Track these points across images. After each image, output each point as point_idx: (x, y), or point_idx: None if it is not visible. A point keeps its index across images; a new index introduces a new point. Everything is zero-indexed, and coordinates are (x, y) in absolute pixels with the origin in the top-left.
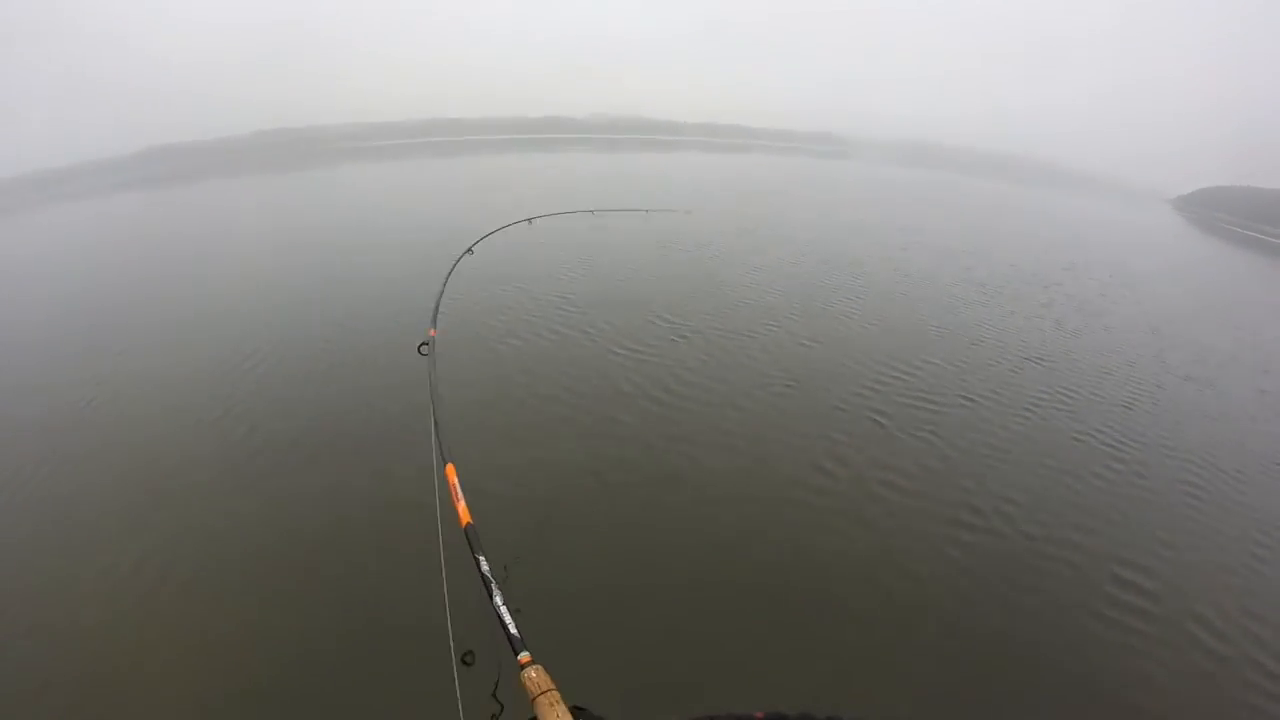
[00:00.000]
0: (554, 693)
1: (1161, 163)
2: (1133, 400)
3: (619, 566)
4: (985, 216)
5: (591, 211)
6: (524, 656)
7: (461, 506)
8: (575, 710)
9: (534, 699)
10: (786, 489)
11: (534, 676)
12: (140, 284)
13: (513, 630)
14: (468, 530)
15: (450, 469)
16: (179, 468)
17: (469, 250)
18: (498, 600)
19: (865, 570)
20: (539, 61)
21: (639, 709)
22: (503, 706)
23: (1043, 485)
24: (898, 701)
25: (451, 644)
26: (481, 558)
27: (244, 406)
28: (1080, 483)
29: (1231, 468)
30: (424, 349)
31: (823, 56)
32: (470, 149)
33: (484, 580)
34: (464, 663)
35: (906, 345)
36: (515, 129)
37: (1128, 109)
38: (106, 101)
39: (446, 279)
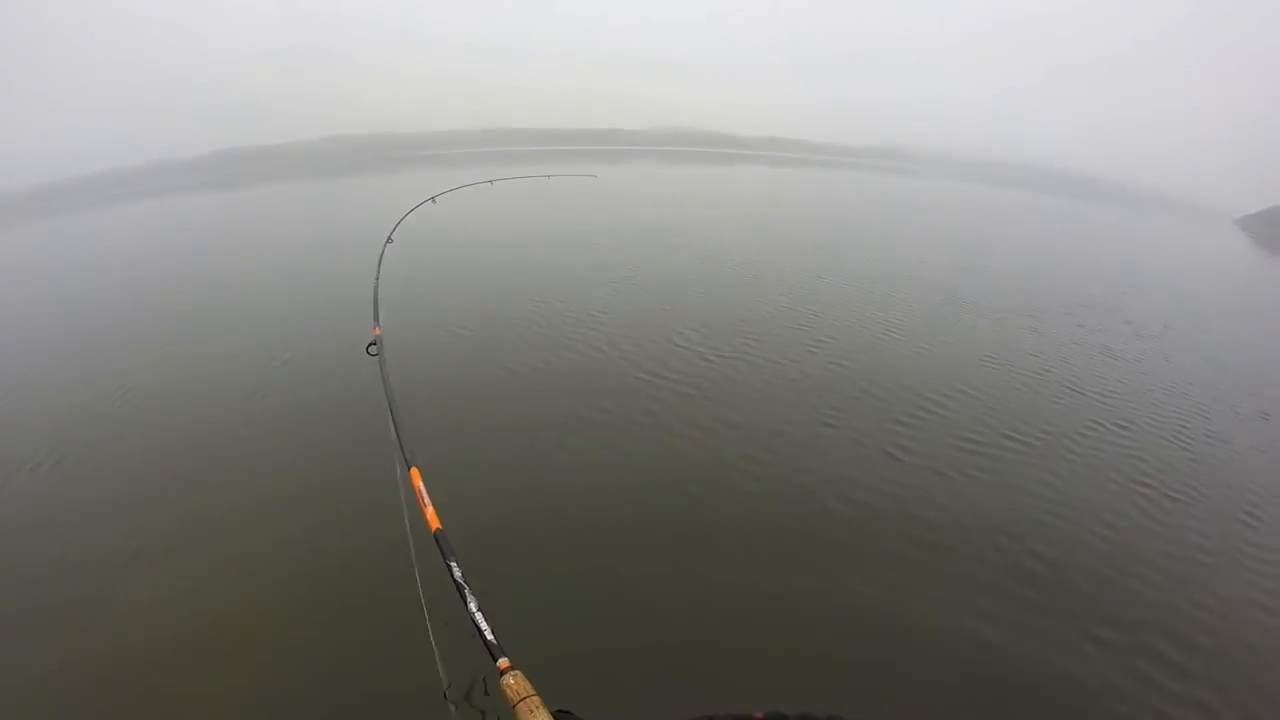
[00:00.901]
0: (534, 698)
1: (1224, 179)
2: (1188, 441)
3: (603, 571)
4: (1047, 236)
5: (490, 182)
6: (503, 663)
7: (430, 512)
8: (558, 714)
9: (514, 706)
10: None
11: (512, 684)
12: (149, 287)
13: (489, 636)
14: (438, 536)
15: (415, 473)
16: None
17: (389, 239)
18: (472, 606)
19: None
20: (599, 76)
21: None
22: (484, 714)
23: (1080, 540)
24: None
25: (438, 656)
26: (453, 564)
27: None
28: (1122, 532)
29: None
30: (372, 349)
31: (888, 72)
32: (530, 159)
33: (457, 587)
34: (444, 673)
35: (949, 373)
36: (576, 140)
37: (1192, 125)
38: (180, 102)
39: (378, 271)
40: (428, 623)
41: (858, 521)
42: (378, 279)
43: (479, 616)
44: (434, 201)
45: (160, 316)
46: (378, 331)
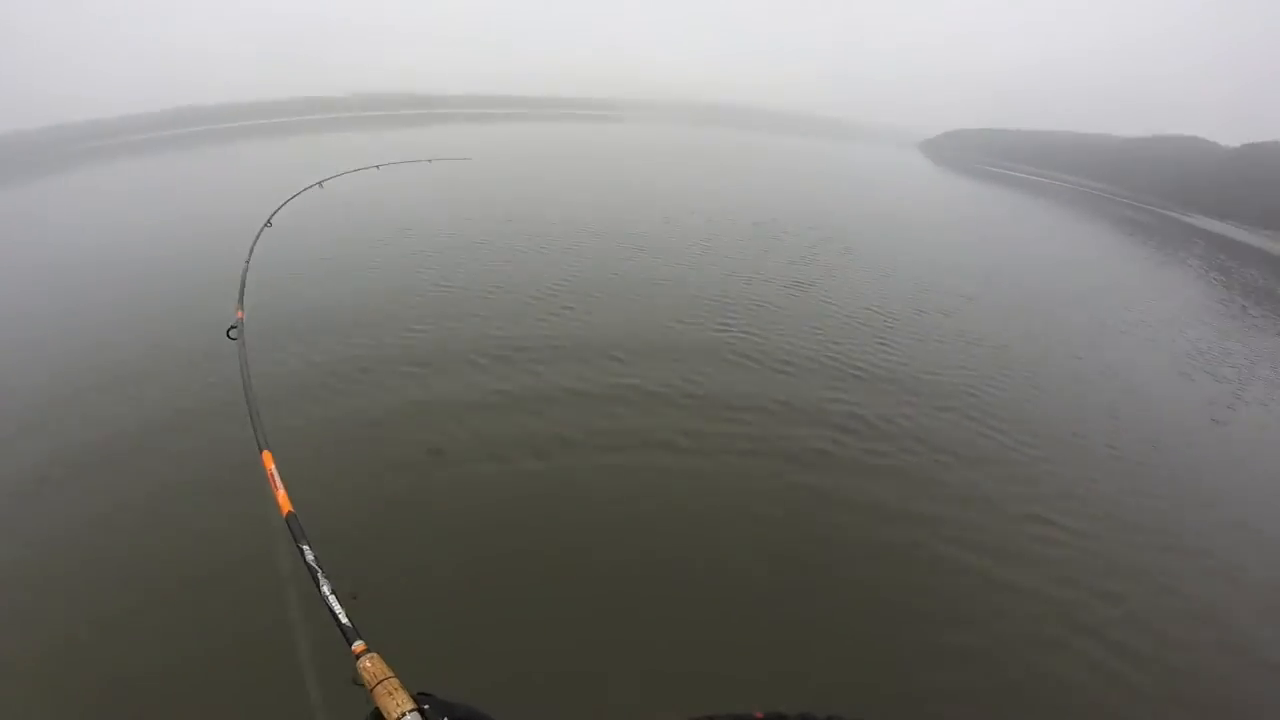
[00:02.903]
0: (392, 680)
1: (919, 113)
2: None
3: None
4: (738, 167)
5: (377, 167)
6: (358, 646)
7: (281, 495)
8: (419, 696)
9: (372, 689)
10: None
11: (369, 666)
12: None
13: (344, 620)
14: (289, 519)
15: (267, 456)
16: None
17: (268, 223)
18: (325, 590)
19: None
20: (288, 41)
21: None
22: (346, 698)
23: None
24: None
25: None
26: (306, 547)
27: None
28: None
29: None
30: (232, 333)
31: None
32: (216, 138)
33: (310, 570)
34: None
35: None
36: (267, 114)
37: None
38: None
39: (249, 256)
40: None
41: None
42: (248, 263)
43: (333, 600)
44: (321, 186)
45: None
46: (240, 315)
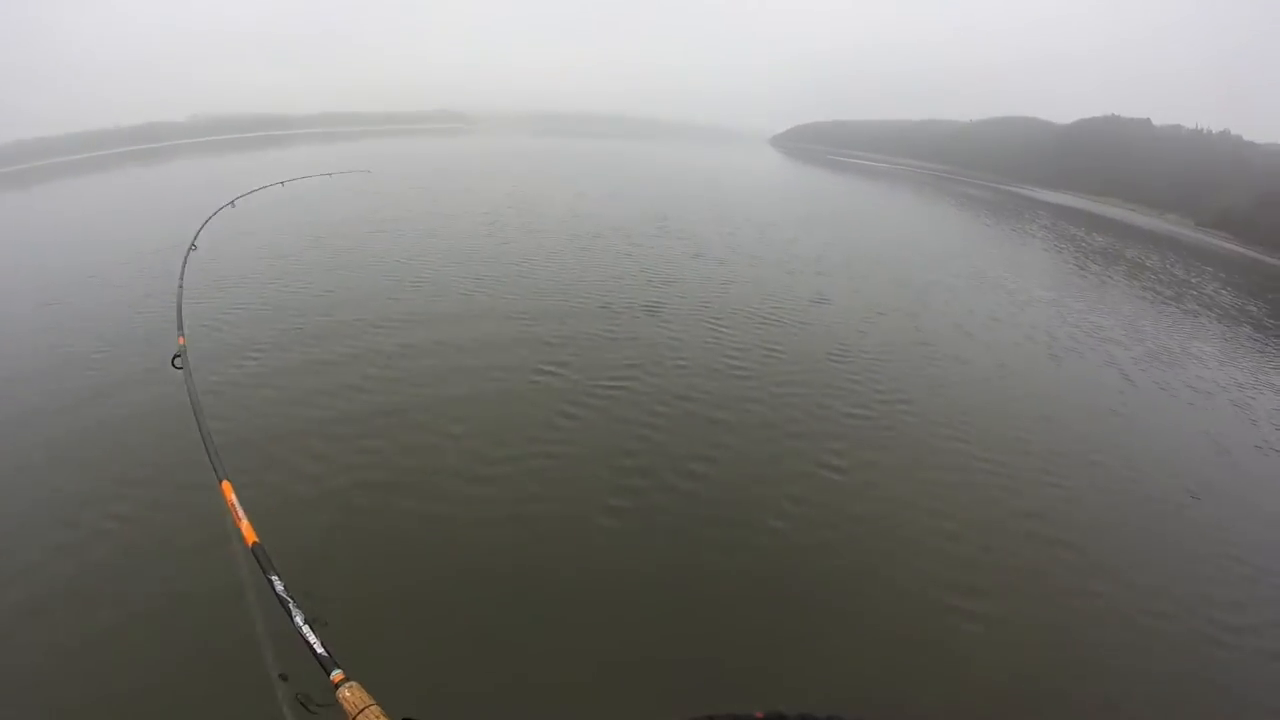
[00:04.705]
0: (374, 708)
1: (764, 110)
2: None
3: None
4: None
5: (281, 183)
6: (336, 675)
7: (245, 525)
8: None
9: (353, 718)
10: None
11: (349, 695)
12: None
13: (319, 650)
14: (255, 550)
15: (226, 487)
16: None
17: (192, 246)
18: (299, 621)
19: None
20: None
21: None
22: None
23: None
24: None
25: (274, 675)
26: (274, 577)
27: None
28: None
29: None
30: (177, 361)
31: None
32: (58, 172)
33: (280, 601)
34: (282, 682)
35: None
36: (102, 144)
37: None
38: None
39: (181, 279)
40: (262, 643)
41: None
42: (180, 287)
43: (306, 630)
44: (234, 206)
45: None
46: (181, 341)
